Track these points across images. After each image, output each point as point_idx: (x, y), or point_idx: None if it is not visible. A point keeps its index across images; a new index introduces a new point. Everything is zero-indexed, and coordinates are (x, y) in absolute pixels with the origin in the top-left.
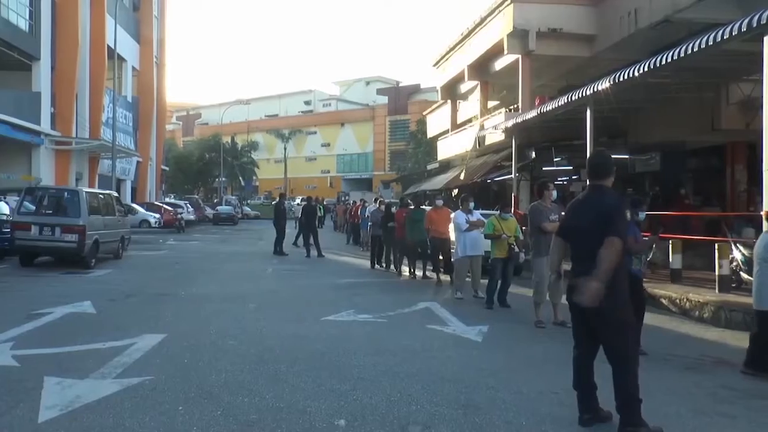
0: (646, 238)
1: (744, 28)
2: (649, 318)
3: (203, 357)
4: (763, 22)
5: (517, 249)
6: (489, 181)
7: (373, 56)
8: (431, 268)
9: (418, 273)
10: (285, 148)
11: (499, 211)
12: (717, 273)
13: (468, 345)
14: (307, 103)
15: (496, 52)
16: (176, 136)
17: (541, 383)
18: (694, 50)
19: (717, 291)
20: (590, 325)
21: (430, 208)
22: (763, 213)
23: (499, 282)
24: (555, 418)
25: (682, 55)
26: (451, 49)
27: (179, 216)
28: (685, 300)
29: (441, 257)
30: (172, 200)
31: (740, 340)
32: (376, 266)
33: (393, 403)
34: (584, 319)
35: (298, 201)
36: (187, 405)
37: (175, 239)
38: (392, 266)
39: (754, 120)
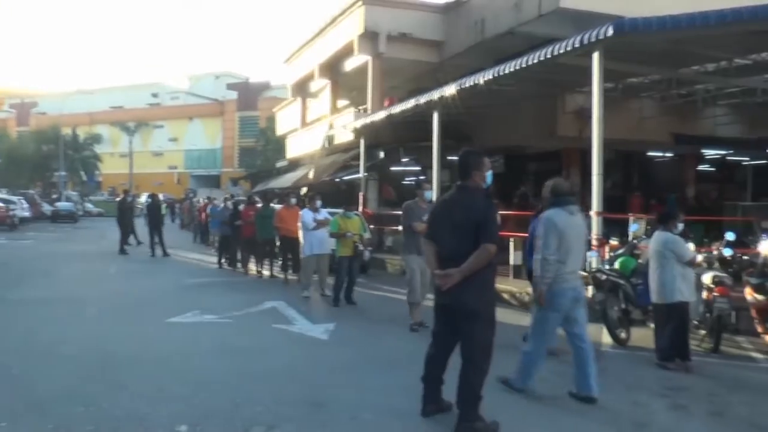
0: None
1: (577, 45)
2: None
3: (35, 366)
4: (593, 40)
5: (362, 247)
6: (338, 180)
7: (223, 50)
8: (280, 266)
9: (266, 272)
10: (130, 142)
11: (343, 210)
12: None
13: (314, 343)
14: (155, 95)
15: (346, 52)
16: (8, 126)
17: (386, 378)
18: (534, 62)
19: None
20: (454, 322)
21: (281, 206)
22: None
23: (346, 280)
24: (399, 411)
25: (523, 66)
26: (303, 47)
27: (11, 213)
28: (525, 294)
29: (290, 256)
30: (4, 195)
31: None
32: (224, 265)
33: (238, 405)
34: (449, 318)
35: (144, 198)
36: (13, 421)
37: (7, 238)
38: (239, 265)
39: (585, 128)
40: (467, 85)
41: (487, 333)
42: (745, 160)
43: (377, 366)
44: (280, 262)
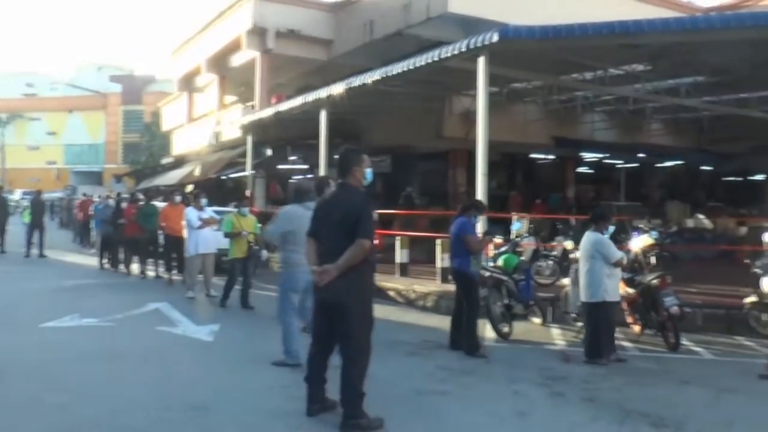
0: (483, 238)
1: (463, 49)
2: (379, 309)
3: None
4: (479, 45)
5: (257, 246)
6: (224, 177)
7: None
8: (164, 266)
9: (150, 272)
10: (3, 135)
11: (237, 208)
12: (438, 265)
13: (198, 345)
14: (30, 85)
15: (234, 47)
16: None
17: (271, 379)
18: (421, 64)
19: (439, 282)
20: (333, 320)
21: (166, 204)
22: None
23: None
24: (284, 411)
25: (411, 67)
26: (190, 40)
27: None
28: (411, 291)
29: (174, 255)
30: None
31: None
32: (105, 266)
33: (117, 412)
34: (327, 315)
35: (19, 195)
36: None
37: None
38: (121, 266)
39: (471, 130)
40: (355, 84)
41: (363, 331)
42: (620, 163)
43: (262, 367)
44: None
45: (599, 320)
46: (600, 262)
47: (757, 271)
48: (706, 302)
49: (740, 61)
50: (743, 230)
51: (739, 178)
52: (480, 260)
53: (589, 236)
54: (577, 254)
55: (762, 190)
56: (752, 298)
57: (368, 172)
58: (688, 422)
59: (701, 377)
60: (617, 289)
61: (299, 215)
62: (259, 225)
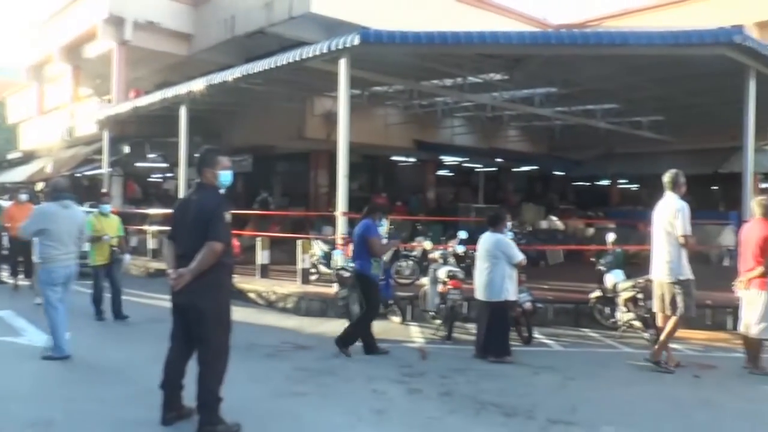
0: (389, 242)
1: (325, 50)
2: (238, 312)
3: None
4: (340, 47)
5: (120, 251)
6: (79, 175)
7: None
8: (9, 271)
9: None
10: None
11: (97, 207)
12: (299, 267)
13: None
14: None
15: (90, 36)
16: None
17: (125, 387)
18: (283, 64)
19: (299, 283)
20: (189, 324)
21: (11, 203)
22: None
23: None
24: (137, 421)
25: (272, 66)
26: (41, 26)
27: None
28: (271, 293)
29: (21, 259)
30: None
31: (316, 326)
32: None
33: None
34: (183, 320)
35: None
36: None
37: None
38: None
39: (333, 131)
40: (216, 81)
41: (219, 334)
42: (479, 166)
43: (116, 375)
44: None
45: (502, 319)
46: (503, 263)
47: (602, 268)
48: (557, 298)
49: (587, 76)
50: (591, 231)
51: (587, 183)
52: (380, 263)
53: (490, 237)
54: (436, 254)
55: (607, 194)
56: (597, 293)
57: (224, 173)
58: (536, 409)
59: (551, 368)
60: (516, 288)
61: (54, 213)
62: (125, 227)
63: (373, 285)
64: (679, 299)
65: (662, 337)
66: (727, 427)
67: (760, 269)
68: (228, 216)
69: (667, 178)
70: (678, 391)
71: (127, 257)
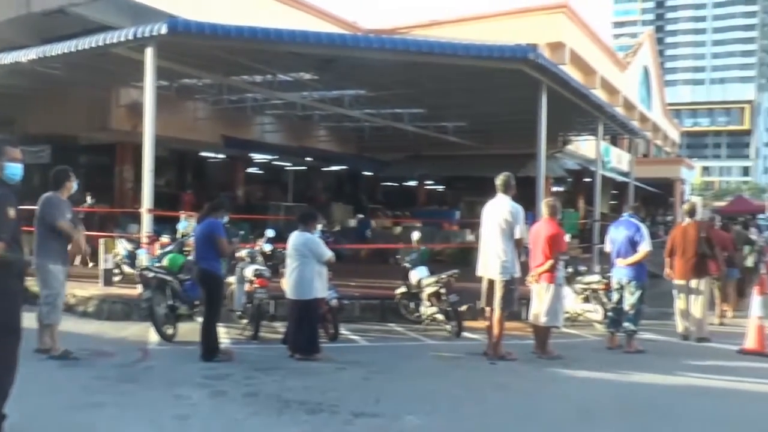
0: (231, 242)
1: (130, 37)
2: (30, 318)
3: None
4: (146, 35)
5: None
6: None
7: None
8: None
9: None
10: None
11: None
12: (102, 267)
13: None
14: None
15: None
16: None
17: None
18: (85, 48)
19: (102, 285)
20: None
21: None
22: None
23: None
24: None
25: (72, 50)
26: None
27: None
28: (70, 296)
29: None
30: None
31: (119, 330)
32: None
33: None
34: None
35: None
36: None
37: None
38: None
39: (139, 123)
40: (7, 61)
41: (4, 344)
42: (289, 165)
43: None
44: None
45: (311, 317)
46: (312, 261)
47: (407, 265)
48: (363, 294)
49: (395, 80)
50: (398, 229)
51: (396, 184)
52: (227, 263)
53: (299, 236)
54: (243, 253)
55: (414, 194)
56: (402, 289)
57: (12, 166)
58: (341, 404)
59: (356, 362)
60: (326, 286)
61: None
62: None
63: (222, 285)
64: (509, 296)
65: (495, 332)
66: (515, 404)
67: (548, 264)
68: (11, 211)
69: (499, 180)
70: (476, 377)
71: None
